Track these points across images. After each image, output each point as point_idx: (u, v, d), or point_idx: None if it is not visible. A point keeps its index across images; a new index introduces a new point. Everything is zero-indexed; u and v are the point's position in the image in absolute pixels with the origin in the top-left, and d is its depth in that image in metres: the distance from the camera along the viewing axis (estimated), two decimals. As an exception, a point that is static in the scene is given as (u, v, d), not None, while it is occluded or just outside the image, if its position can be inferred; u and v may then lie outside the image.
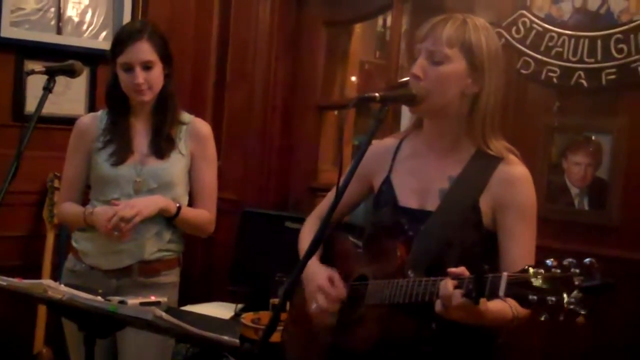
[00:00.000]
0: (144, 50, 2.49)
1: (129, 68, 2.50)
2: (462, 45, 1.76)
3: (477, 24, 1.79)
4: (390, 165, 1.95)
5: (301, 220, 2.18)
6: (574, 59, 2.57)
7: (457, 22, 1.78)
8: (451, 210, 1.78)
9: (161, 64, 2.54)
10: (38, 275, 3.39)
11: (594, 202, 2.58)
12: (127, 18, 3.74)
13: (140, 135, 2.59)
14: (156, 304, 1.81)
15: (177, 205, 2.53)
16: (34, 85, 2.35)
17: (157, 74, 2.53)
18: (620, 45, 2.47)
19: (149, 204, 2.46)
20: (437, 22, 1.79)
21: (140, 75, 2.49)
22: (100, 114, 2.66)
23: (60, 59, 2.99)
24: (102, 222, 2.41)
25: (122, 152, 2.55)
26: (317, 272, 1.88)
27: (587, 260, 1.31)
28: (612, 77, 2.49)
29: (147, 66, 2.50)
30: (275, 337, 1.63)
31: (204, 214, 2.63)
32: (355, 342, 1.77)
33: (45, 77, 2.30)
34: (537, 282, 1.34)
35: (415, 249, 1.76)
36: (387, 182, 1.93)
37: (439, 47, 1.76)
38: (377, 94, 1.67)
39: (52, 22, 3.61)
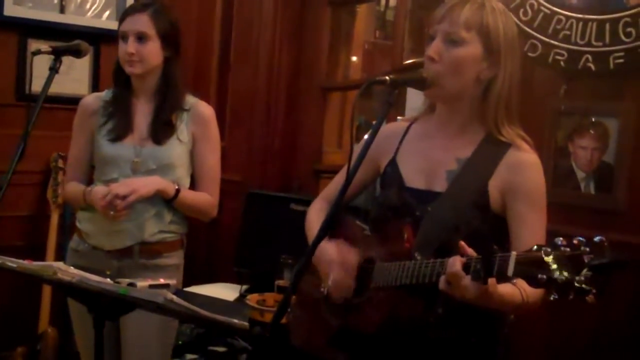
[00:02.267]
0: (141, 21, 2.51)
1: (124, 37, 2.52)
2: (480, 28, 1.75)
3: (495, 8, 1.78)
4: (396, 147, 1.94)
5: (306, 202, 2.18)
6: (581, 42, 2.55)
7: (475, 5, 1.76)
8: (460, 192, 1.77)
9: (159, 41, 2.53)
10: (42, 255, 3.39)
11: (600, 186, 2.58)
12: (130, -3, 3.72)
13: (141, 116, 2.59)
14: (165, 286, 1.82)
15: (176, 187, 2.53)
16: (37, 64, 2.35)
17: (152, 49, 2.52)
18: (629, 29, 2.45)
19: (146, 183, 2.47)
20: (455, 4, 1.77)
21: (132, 46, 2.50)
22: (105, 94, 2.66)
23: (63, 38, 3.00)
24: (97, 200, 2.42)
25: (121, 128, 2.56)
26: (326, 248, 1.86)
27: (597, 238, 1.31)
28: (620, 61, 2.47)
29: (140, 37, 2.50)
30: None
31: (204, 197, 2.62)
32: (361, 325, 1.76)
33: (50, 56, 2.30)
34: (546, 261, 1.34)
35: (423, 231, 1.76)
36: (393, 163, 1.93)
37: (456, 29, 1.74)
38: (387, 77, 1.65)
39: (55, 1, 3.59)
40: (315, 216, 2.06)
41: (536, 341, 2.63)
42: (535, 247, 1.37)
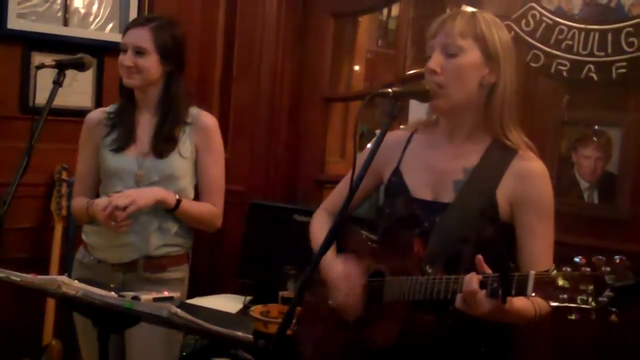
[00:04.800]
0: (140, 35, 2.53)
1: (123, 50, 2.54)
2: (475, 35, 1.77)
3: (486, 17, 1.82)
4: (399, 156, 1.95)
5: (309, 213, 2.18)
6: (584, 53, 2.56)
7: (466, 15, 1.80)
8: (468, 202, 1.78)
9: (157, 56, 2.53)
10: (46, 267, 3.39)
11: (603, 196, 2.58)
12: (133, 9, 3.73)
13: (144, 129, 2.60)
14: (169, 299, 1.82)
15: (177, 197, 2.52)
16: (41, 76, 2.36)
17: (149, 63, 2.53)
18: (631, 39, 2.46)
19: (145, 194, 2.47)
20: (447, 17, 1.81)
21: (130, 59, 2.52)
22: (110, 108, 2.68)
23: (67, 50, 3.01)
24: (99, 212, 2.43)
25: (123, 139, 2.57)
26: (332, 266, 1.88)
27: (616, 257, 1.31)
28: (623, 70, 2.48)
29: (139, 51, 2.52)
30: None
31: (208, 208, 2.62)
32: (373, 339, 1.77)
33: (53, 69, 2.32)
34: (566, 280, 1.34)
35: (432, 243, 1.77)
36: (397, 173, 1.93)
37: (452, 40, 1.77)
38: (390, 90, 1.67)
39: (59, 14, 3.60)
40: (319, 228, 2.06)
41: (542, 346, 2.62)
42: (554, 266, 1.37)
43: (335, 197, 2.13)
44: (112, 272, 2.55)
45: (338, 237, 1.95)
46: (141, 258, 2.54)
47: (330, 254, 1.91)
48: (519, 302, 1.56)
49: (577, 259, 1.34)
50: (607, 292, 1.29)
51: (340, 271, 1.86)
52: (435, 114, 1.91)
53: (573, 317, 1.33)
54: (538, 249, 1.73)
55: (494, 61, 1.78)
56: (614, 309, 1.29)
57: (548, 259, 1.72)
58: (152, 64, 2.53)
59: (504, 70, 1.79)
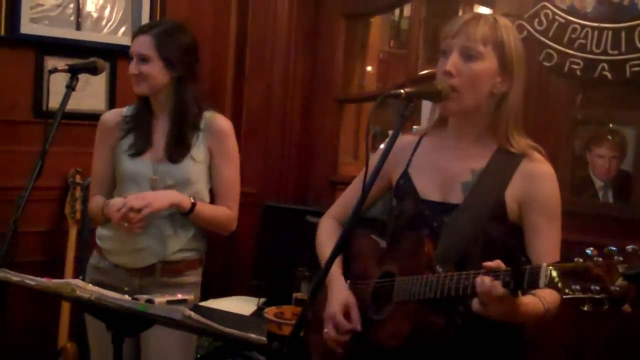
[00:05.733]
0: (142, 43, 2.53)
1: (131, 58, 2.56)
2: (495, 43, 1.78)
3: (506, 25, 1.82)
4: (408, 160, 1.95)
5: (322, 215, 2.18)
6: (597, 51, 2.55)
7: (489, 21, 1.80)
8: (477, 203, 1.78)
9: (161, 63, 2.52)
10: (61, 270, 3.41)
11: (618, 195, 2.57)
12: (145, 13, 3.74)
13: (159, 134, 2.60)
14: (183, 301, 1.82)
15: (192, 201, 2.52)
16: (54, 81, 2.38)
17: (153, 70, 2.52)
18: (645, 37, 2.45)
19: (160, 197, 2.47)
20: (469, 20, 1.80)
21: (134, 67, 2.53)
22: (126, 110, 2.68)
23: (80, 54, 3.02)
24: (113, 212, 2.43)
25: (140, 144, 2.57)
26: (333, 296, 1.89)
27: (629, 247, 1.29)
28: (637, 69, 2.47)
29: (143, 58, 2.52)
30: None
31: (222, 211, 2.61)
32: (383, 339, 1.76)
33: (67, 74, 2.33)
34: (578, 271, 1.33)
35: (442, 243, 1.77)
36: (405, 175, 1.93)
37: (474, 44, 1.77)
38: (402, 91, 1.66)
39: (72, 18, 3.61)
40: (326, 234, 2.07)
41: (555, 347, 2.61)
42: (566, 257, 1.37)
43: (341, 204, 2.13)
44: (129, 277, 2.55)
45: (347, 241, 1.96)
46: (158, 263, 2.54)
47: (338, 275, 1.93)
48: (526, 298, 1.56)
49: (588, 251, 1.33)
50: (620, 281, 1.28)
51: (337, 308, 1.86)
52: (445, 114, 1.91)
53: (585, 308, 1.32)
54: (545, 248, 1.74)
55: (507, 71, 1.79)
56: (626, 299, 1.28)
57: (555, 258, 1.72)
58: (156, 70, 2.52)
59: (516, 81, 1.80)
